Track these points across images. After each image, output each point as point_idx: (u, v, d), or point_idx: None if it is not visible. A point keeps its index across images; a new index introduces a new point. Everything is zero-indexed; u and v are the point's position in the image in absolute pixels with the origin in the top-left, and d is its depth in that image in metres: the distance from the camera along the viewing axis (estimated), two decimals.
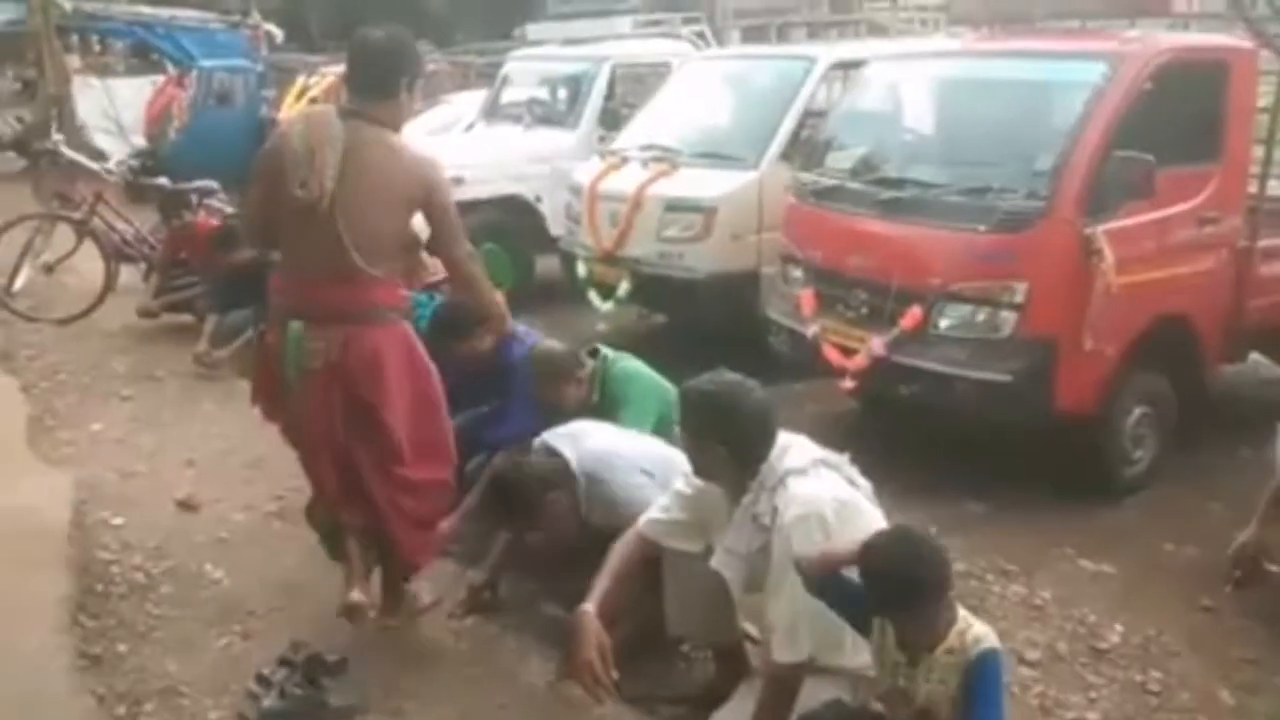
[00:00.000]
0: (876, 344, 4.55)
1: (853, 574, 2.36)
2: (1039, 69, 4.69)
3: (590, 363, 3.88)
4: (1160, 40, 4.65)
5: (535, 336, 4.11)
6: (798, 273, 5.17)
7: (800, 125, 6.17)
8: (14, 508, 4.04)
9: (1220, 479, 4.76)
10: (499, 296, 3.54)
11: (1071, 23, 5.20)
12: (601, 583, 2.77)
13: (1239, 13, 4.70)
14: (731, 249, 6.08)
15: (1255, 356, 5.45)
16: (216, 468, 4.69)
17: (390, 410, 3.07)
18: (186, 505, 4.24)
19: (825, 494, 2.54)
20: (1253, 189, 4.83)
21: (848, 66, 6.40)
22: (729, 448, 2.61)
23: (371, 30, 3.18)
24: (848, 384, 4.74)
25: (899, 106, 5.32)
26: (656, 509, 2.87)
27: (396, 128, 3.10)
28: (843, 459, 2.72)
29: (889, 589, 2.26)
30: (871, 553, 2.29)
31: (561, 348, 3.91)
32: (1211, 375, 4.96)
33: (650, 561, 2.88)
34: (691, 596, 2.85)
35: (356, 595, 3.15)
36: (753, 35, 8.26)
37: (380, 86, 3.07)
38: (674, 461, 3.09)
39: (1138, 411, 4.62)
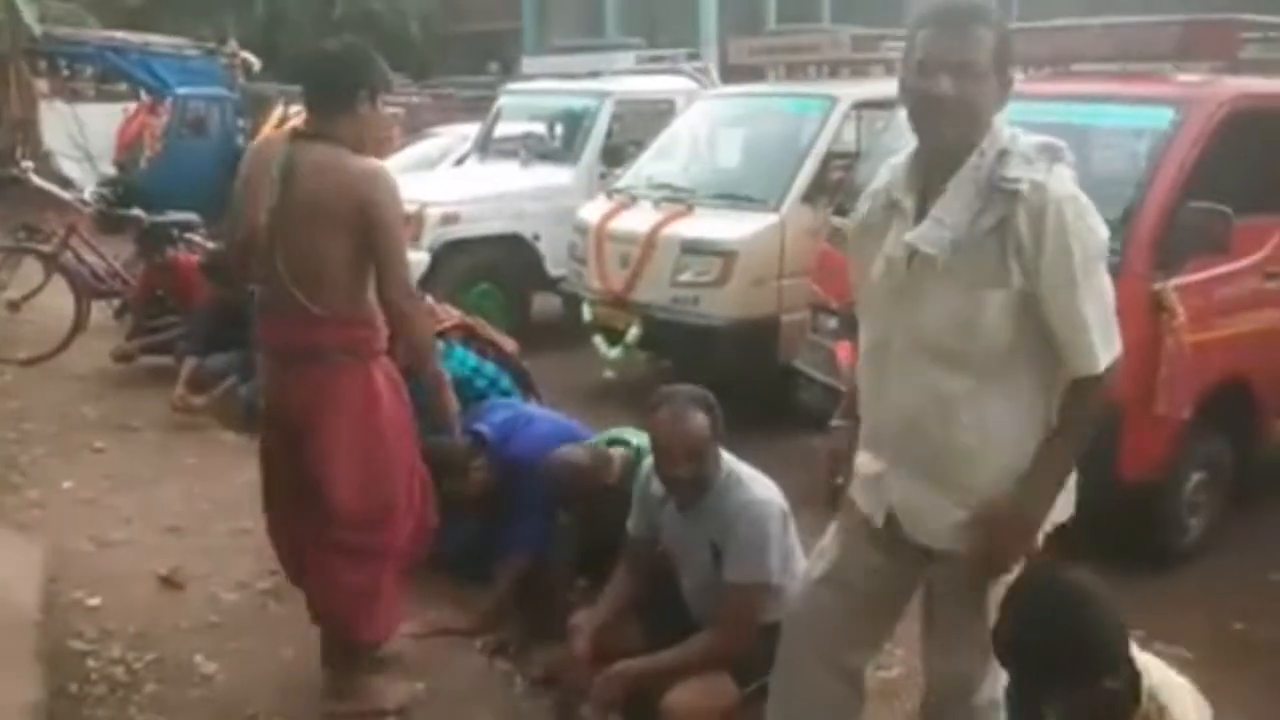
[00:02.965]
0: None
1: None
2: (1100, 113, 4.39)
3: (616, 452, 3.28)
4: (1226, 85, 4.40)
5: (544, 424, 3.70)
6: (832, 323, 4.85)
7: (823, 166, 5.89)
8: None
9: (1272, 545, 4.53)
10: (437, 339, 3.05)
11: (1109, 66, 4.89)
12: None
13: None
14: (751, 295, 5.76)
15: None
16: (202, 535, 4.25)
17: (328, 461, 2.77)
18: (171, 582, 3.79)
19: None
20: None
21: (872, 106, 6.14)
22: None
23: (326, 43, 2.93)
24: None
25: None
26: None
27: (358, 146, 2.77)
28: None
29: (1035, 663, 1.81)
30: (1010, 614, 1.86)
31: (582, 456, 3.26)
32: (1267, 437, 4.72)
33: None
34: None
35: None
36: (752, 74, 8.01)
37: (334, 100, 2.77)
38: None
39: (1196, 478, 4.34)
